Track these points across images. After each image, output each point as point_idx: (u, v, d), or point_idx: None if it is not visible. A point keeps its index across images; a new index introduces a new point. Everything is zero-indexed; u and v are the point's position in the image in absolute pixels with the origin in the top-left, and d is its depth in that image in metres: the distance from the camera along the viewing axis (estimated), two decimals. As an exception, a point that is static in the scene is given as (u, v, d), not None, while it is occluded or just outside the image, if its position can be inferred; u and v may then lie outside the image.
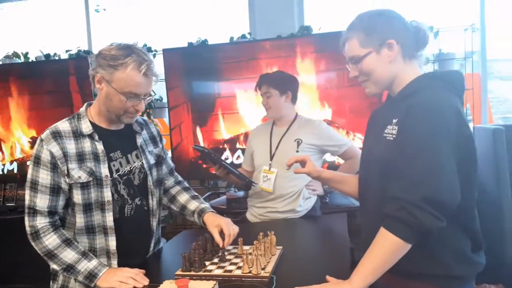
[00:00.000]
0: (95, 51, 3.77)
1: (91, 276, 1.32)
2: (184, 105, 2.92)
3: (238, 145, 2.89)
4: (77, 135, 1.41)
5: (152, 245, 1.55)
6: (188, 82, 2.96)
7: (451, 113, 1.08)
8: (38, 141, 1.39)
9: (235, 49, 2.99)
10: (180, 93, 2.92)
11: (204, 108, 2.92)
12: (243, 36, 3.36)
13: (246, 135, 2.85)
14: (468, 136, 1.10)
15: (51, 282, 1.46)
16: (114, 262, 1.41)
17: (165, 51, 2.99)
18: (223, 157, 2.85)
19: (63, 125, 1.42)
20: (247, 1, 3.79)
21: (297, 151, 2.03)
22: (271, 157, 2.06)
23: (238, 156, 2.87)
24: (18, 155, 3.34)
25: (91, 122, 1.44)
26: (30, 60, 3.63)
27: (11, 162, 3.34)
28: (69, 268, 1.33)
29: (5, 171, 3.33)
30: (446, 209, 1.03)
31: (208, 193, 3.26)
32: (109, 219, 1.40)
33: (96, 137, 1.42)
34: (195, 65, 2.96)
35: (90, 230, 1.40)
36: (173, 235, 1.92)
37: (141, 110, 1.43)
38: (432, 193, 1.02)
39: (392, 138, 1.15)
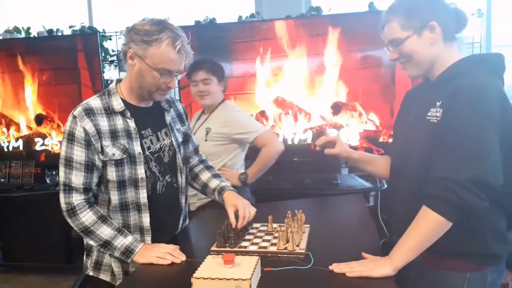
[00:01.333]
0: (98, 27, 3.71)
1: (128, 252, 1.34)
2: (195, 85, 2.90)
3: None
4: (109, 112, 1.40)
5: (181, 221, 1.57)
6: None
7: (496, 97, 1.10)
8: (70, 118, 1.37)
9: (245, 29, 2.96)
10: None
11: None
12: (252, 15, 3.33)
13: (257, 115, 2.85)
14: (511, 119, 1.13)
15: (84, 257, 1.48)
16: (148, 239, 1.43)
17: (176, 29, 2.94)
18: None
19: (95, 101, 1.41)
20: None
21: (206, 140, 2.05)
22: None
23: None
24: (24, 132, 3.29)
25: (121, 99, 1.43)
26: (32, 36, 3.56)
27: (17, 140, 3.30)
28: (106, 244, 1.34)
29: (11, 149, 3.29)
30: (490, 190, 1.06)
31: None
32: (143, 196, 1.41)
33: (128, 114, 1.41)
34: (205, 44, 2.92)
35: (124, 207, 1.41)
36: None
37: (172, 87, 1.43)
38: (478, 175, 1.06)
39: (436, 121, 1.17)
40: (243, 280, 1.03)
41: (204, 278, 1.05)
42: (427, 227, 1.13)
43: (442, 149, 1.13)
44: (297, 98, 2.80)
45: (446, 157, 1.12)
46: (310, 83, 2.77)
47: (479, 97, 1.11)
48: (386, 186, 2.45)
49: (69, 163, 1.35)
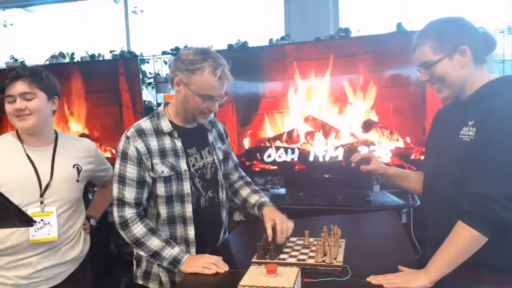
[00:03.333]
0: (136, 50, 3.93)
1: (175, 262, 1.43)
2: (229, 105, 3.03)
3: (280, 143, 2.98)
4: (158, 132, 1.52)
5: (221, 234, 1.66)
6: (232, 83, 3.06)
7: None
8: (124, 138, 1.50)
9: (275, 51, 3.08)
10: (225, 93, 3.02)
11: (248, 107, 3.03)
12: (282, 38, 3.46)
13: (289, 133, 2.94)
14: None
15: (134, 267, 1.59)
16: (193, 250, 1.52)
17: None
18: (266, 154, 2.95)
19: (145, 123, 1.53)
20: (283, 3, 3.89)
21: (78, 181, 1.62)
22: (44, 191, 1.52)
23: (280, 155, 2.96)
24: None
25: (169, 121, 1.55)
26: (75, 60, 3.81)
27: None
28: (155, 255, 1.44)
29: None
30: None
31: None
32: (189, 210, 1.51)
33: (176, 135, 1.53)
34: (237, 66, 3.04)
35: (171, 220, 1.52)
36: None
37: (215, 110, 1.54)
38: None
39: (469, 139, 1.23)
40: (286, 288, 1.11)
41: (250, 286, 1.13)
42: (463, 241, 1.17)
43: (477, 166, 1.18)
44: (328, 117, 2.88)
45: (481, 173, 1.17)
46: (340, 102, 2.84)
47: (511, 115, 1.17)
48: (418, 203, 2.47)
49: (122, 179, 1.47)
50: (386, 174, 1.56)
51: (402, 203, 2.59)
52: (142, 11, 4.54)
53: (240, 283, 1.15)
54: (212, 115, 1.66)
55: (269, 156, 2.95)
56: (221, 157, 1.67)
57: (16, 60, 3.95)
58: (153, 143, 1.50)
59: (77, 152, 1.65)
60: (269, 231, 1.51)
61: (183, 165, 1.52)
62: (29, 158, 1.54)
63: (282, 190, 3.03)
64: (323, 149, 2.86)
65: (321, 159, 2.86)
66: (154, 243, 1.45)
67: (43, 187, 1.51)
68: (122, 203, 1.46)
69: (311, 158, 2.87)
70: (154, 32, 4.38)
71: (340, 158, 2.83)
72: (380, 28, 3.18)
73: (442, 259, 1.19)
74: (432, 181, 1.38)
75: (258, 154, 2.99)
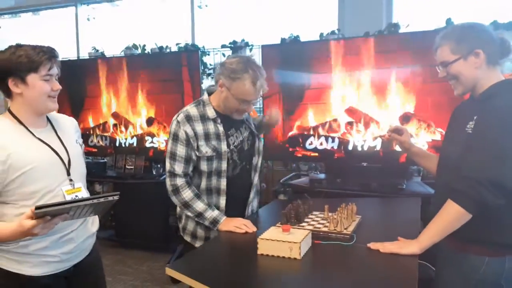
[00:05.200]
0: (199, 43, 4.34)
1: (215, 221, 1.77)
2: (277, 95, 3.32)
3: (322, 132, 3.22)
4: (204, 118, 1.83)
5: (250, 197, 1.95)
6: (281, 75, 3.34)
7: None
8: (175, 122, 1.82)
9: (323, 45, 3.29)
10: (274, 84, 3.32)
11: (294, 97, 3.29)
12: (333, 32, 3.65)
13: (331, 123, 3.16)
14: None
15: (178, 221, 1.97)
16: (225, 215, 1.84)
17: (263, 47, 3.41)
18: (308, 142, 3.21)
19: (193, 110, 1.85)
20: (337, -1, 4.06)
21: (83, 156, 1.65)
22: (68, 168, 1.51)
23: (321, 143, 3.20)
24: (138, 131, 4.03)
25: (213, 109, 1.86)
26: (146, 52, 4.30)
27: (132, 137, 4.04)
28: (199, 215, 1.79)
29: (127, 145, 4.04)
30: (505, 191, 1.28)
31: (291, 174, 3.66)
32: (223, 183, 1.83)
33: (219, 121, 1.84)
34: (287, 59, 3.33)
35: (209, 191, 1.85)
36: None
37: (249, 111, 1.85)
38: (496, 177, 1.28)
39: (470, 131, 1.41)
40: (294, 243, 1.39)
41: (267, 239, 1.43)
42: (450, 216, 1.37)
43: (470, 153, 1.37)
44: (368, 108, 3.06)
45: (472, 160, 1.35)
46: (381, 95, 3.00)
47: (505, 113, 1.33)
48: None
49: (173, 156, 1.81)
50: (410, 150, 1.74)
51: (430, 192, 2.72)
52: (206, 6, 4.93)
53: (260, 236, 1.46)
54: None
55: (310, 143, 3.21)
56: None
57: (97, 51, 4.53)
58: (199, 127, 1.82)
59: (71, 129, 1.63)
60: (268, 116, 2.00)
61: (223, 147, 1.83)
62: (40, 140, 1.46)
63: (322, 175, 3.27)
64: (362, 139, 3.05)
65: (359, 148, 3.05)
66: (199, 206, 1.79)
67: (66, 165, 1.49)
68: (173, 175, 1.81)
69: (350, 147, 3.08)
70: (217, 25, 4.76)
71: (378, 148, 3.00)
72: (431, 23, 3.26)
73: (431, 231, 1.40)
74: (440, 167, 1.57)
75: (300, 141, 3.25)
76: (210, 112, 1.85)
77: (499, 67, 1.46)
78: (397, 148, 2.93)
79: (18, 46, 1.41)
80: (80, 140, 1.65)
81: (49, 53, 1.42)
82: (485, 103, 1.39)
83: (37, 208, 1.17)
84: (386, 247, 1.44)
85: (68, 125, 1.62)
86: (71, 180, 1.49)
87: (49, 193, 1.41)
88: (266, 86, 1.80)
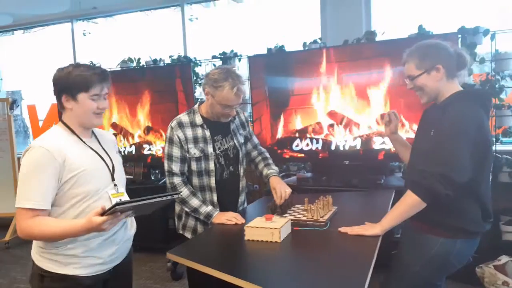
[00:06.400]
0: (190, 55, 4.60)
1: (209, 216, 2.02)
2: (264, 102, 3.58)
3: (307, 134, 3.48)
4: (193, 125, 2.10)
5: (241, 199, 2.21)
6: (267, 83, 3.61)
7: (472, 121, 1.57)
8: (170, 128, 2.09)
9: (306, 54, 3.56)
10: (261, 92, 3.58)
11: (280, 103, 3.55)
12: (315, 41, 3.91)
13: (314, 126, 3.43)
14: (484, 137, 1.58)
15: (176, 222, 2.21)
16: (218, 210, 2.09)
17: (250, 58, 3.67)
18: (294, 144, 3.47)
19: (184, 117, 2.11)
20: (319, 7, 4.33)
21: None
22: (113, 174, 1.65)
23: (307, 144, 3.46)
24: (136, 140, 4.27)
25: (201, 116, 2.12)
26: (141, 65, 4.55)
27: (131, 146, 4.28)
28: (195, 211, 2.04)
29: (126, 153, 4.28)
30: (453, 184, 1.53)
31: (281, 174, 3.90)
32: (212, 181, 2.09)
33: (205, 126, 2.10)
34: (273, 68, 3.60)
35: (202, 188, 2.10)
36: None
37: (232, 115, 2.09)
38: (446, 171, 1.53)
39: (432, 134, 1.66)
40: (275, 229, 1.65)
41: (252, 227, 1.69)
42: (407, 204, 1.63)
43: (427, 151, 1.63)
44: (348, 111, 3.33)
45: (428, 156, 1.61)
46: (360, 98, 3.27)
47: (458, 119, 1.59)
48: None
49: (170, 157, 2.07)
50: (394, 135, 1.98)
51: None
52: (197, 19, 5.19)
53: (246, 225, 1.71)
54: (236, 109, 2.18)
55: (297, 145, 3.47)
56: (241, 140, 2.23)
57: (95, 65, 4.75)
58: (189, 132, 2.08)
59: (111, 142, 1.77)
60: (274, 196, 2.07)
61: (210, 149, 2.09)
62: (90, 148, 1.61)
63: (308, 174, 3.53)
64: (343, 139, 3.31)
65: (341, 148, 3.32)
66: (195, 202, 2.04)
67: (111, 171, 1.62)
68: (171, 174, 2.07)
69: (333, 147, 3.34)
70: (207, 37, 5.02)
71: (358, 147, 3.27)
72: (407, 30, 3.54)
73: (391, 215, 1.67)
74: (410, 162, 1.83)
75: (288, 144, 3.51)
76: (198, 119, 2.10)
77: (456, 79, 1.72)
78: (376, 145, 3.21)
79: (75, 65, 1.56)
80: (118, 153, 1.80)
81: (102, 75, 1.57)
82: (444, 110, 1.65)
83: (118, 204, 1.28)
84: (354, 230, 1.70)
85: (108, 138, 1.77)
86: (115, 185, 1.61)
87: (95, 195, 1.52)
88: (245, 92, 2.04)
